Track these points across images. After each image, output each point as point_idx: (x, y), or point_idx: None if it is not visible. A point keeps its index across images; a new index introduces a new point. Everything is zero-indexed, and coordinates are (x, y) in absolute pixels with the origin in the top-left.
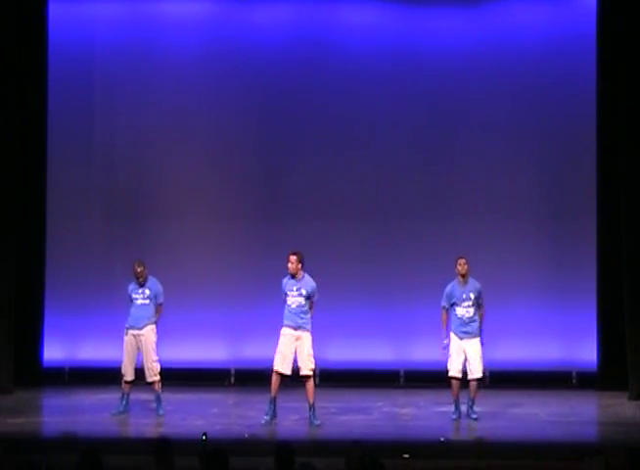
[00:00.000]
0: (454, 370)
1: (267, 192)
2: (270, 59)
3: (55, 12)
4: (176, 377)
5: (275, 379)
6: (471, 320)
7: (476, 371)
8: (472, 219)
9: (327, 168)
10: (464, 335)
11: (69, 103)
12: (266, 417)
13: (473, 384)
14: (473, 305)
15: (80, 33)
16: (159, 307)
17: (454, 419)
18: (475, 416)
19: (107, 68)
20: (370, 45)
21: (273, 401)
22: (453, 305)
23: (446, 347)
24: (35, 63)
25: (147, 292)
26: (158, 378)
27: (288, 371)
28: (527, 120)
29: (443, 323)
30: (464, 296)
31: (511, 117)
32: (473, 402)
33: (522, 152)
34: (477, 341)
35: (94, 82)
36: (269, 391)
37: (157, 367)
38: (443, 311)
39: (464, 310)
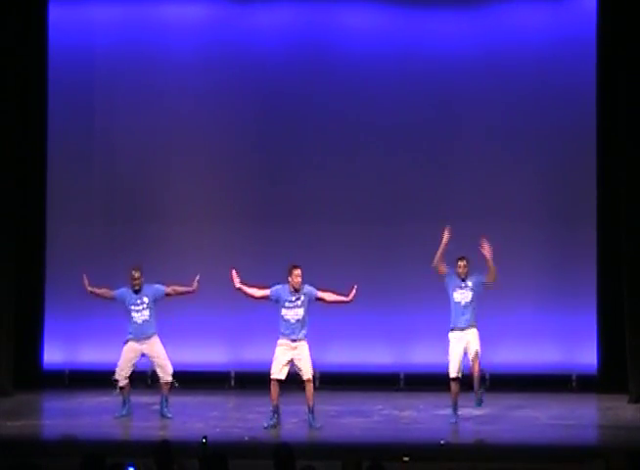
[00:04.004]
0: (453, 371)
1: (268, 195)
2: (271, 62)
3: (55, 16)
4: (177, 379)
5: (274, 387)
6: (468, 306)
7: (474, 351)
8: (472, 222)
9: (328, 171)
10: (464, 325)
11: (70, 106)
12: (267, 424)
13: (475, 373)
14: (471, 290)
15: (81, 37)
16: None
17: (452, 423)
18: (480, 399)
19: (107, 71)
20: (370, 48)
21: (276, 410)
22: (451, 290)
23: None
24: (36, 66)
25: (145, 299)
26: (171, 378)
27: (283, 377)
28: (528, 123)
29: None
30: (462, 284)
31: (511, 119)
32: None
33: (521, 155)
34: (475, 330)
35: (94, 85)
36: (269, 395)
37: (170, 367)
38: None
39: (461, 296)
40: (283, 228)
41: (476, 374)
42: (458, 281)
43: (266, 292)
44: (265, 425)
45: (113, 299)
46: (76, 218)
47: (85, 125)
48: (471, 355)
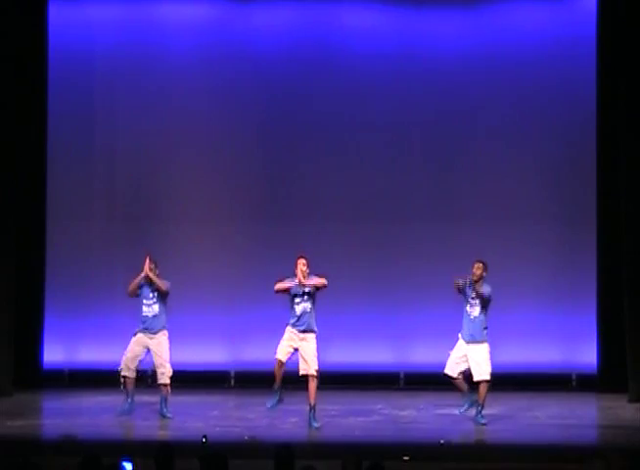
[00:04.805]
0: (448, 368)
1: (269, 194)
2: (271, 62)
3: (55, 15)
4: (176, 379)
5: (277, 367)
6: (476, 319)
7: (483, 373)
8: (472, 222)
9: (329, 171)
10: (470, 338)
11: (70, 105)
12: (270, 404)
13: (481, 387)
14: (479, 304)
15: (81, 37)
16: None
17: (461, 412)
18: (483, 421)
19: (107, 70)
20: (371, 48)
21: (279, 390)
22: (464, 299)
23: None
24: (36, 65)
25: (155, 293)
26: (168, 381)
27: (284, 358)
28: (527, 123)
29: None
30: (473, 294)
31: (511, 119)
32: (482, 407)
33: (521, 154)
34: (483, 346)
35: (94, 85)
36: (269, 393)
37: (170, 369)
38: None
39: (471, 309)
40: (284, 228)
41: (480, 399)
42: (470, 291)
43: (291, 286)
44: (269, 405)
45: (137, 293)
46: (76, 218)
47: (85, 125)
48: (476, 375)
